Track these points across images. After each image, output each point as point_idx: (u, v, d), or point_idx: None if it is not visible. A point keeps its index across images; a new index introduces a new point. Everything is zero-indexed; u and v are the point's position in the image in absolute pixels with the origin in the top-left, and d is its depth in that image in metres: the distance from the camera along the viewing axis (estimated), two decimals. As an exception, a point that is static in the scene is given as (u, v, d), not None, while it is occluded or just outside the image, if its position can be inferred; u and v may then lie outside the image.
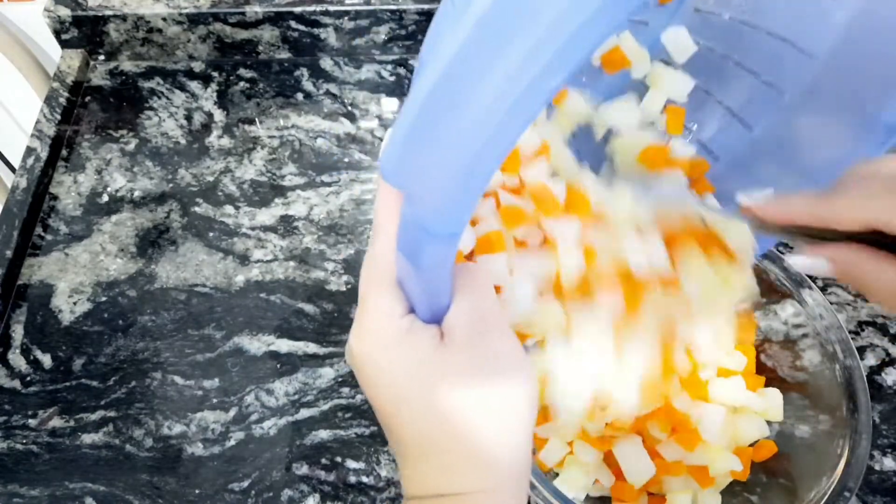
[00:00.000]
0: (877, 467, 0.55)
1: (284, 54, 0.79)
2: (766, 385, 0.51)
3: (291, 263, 0.64)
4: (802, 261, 0.33)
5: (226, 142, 0.73)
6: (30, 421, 0.56)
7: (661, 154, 0.44)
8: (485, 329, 0.28)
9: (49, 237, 0.66)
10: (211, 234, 0.66)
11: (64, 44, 0.78)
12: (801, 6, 0.39)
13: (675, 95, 0.44)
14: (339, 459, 0.54)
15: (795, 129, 0.42)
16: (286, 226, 0.67)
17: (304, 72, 0.78)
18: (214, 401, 0.57)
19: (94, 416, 0.56)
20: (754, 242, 0.39)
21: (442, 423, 0.28)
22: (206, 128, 0.74)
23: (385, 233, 0.27)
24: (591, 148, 0.45)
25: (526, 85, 0.19)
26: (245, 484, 0.53)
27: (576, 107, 0.44)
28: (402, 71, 0.78)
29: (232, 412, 0.56)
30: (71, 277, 0.63)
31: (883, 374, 0.59)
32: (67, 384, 0.57)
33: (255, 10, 0.75)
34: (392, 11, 0.75)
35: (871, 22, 0.36)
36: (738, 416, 0.49)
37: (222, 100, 0.76)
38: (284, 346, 0.59)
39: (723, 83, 0.44)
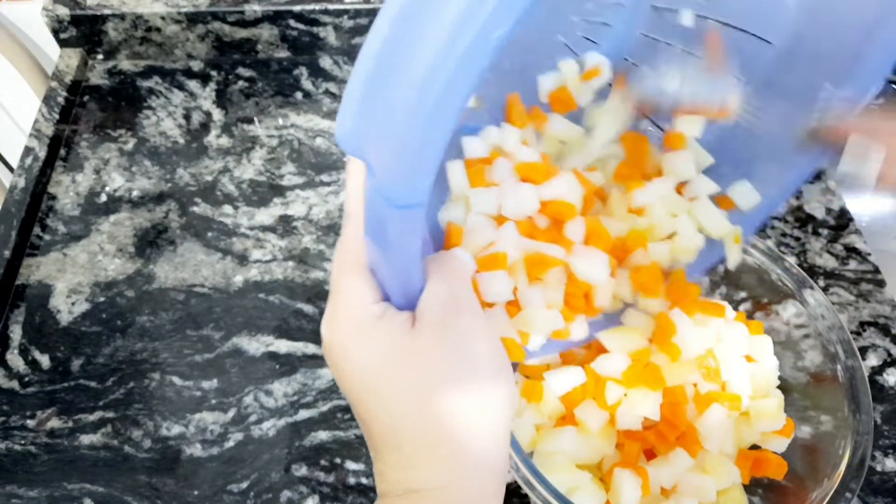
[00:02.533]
0: (878, 468, 0.55)
1: (283, 53, 0.79)
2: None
3: (290, 263, 0.64)
4: (851, 162, 0.35)
5: (224, 141, 0.72)
6: (28, 422, 0.55)
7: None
8: (457, 314, 0.27)
9: (47, 237, 0.65)
10: (209, 234, 0.66)
11: (62, 43, 0.78)
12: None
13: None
14: (338, 461, 0.54)
15: (759, 115, 0.42)
16: (285, 226, 0.66)
17: (304, 71, 0.78)
18: (213, 402, 0.56)
19: (93, 417, 0.56)
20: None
21: (410, 414, 0.27)
22: (205, 127, 0.73)
23: (355, 218, 0.27)
24: None
25: (471, 37, 0.19)
26: (244, 485, 0.53)
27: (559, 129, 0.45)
28: (401, 70, 0.78)
29: (231, 413, 0.56)
30: (69, 277, 0.63)
31: (885, 375, 0.59)
32: (66, 385, 0.57)
33: (254, 9, 0.75)
34: (391, 10, 0.75)
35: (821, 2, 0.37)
36: (749, 409, 0.49)
37: (221, 99, 0.76)
38: (283, 346, 0.59)
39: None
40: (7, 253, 0.62)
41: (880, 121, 0.36)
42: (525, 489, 0.42)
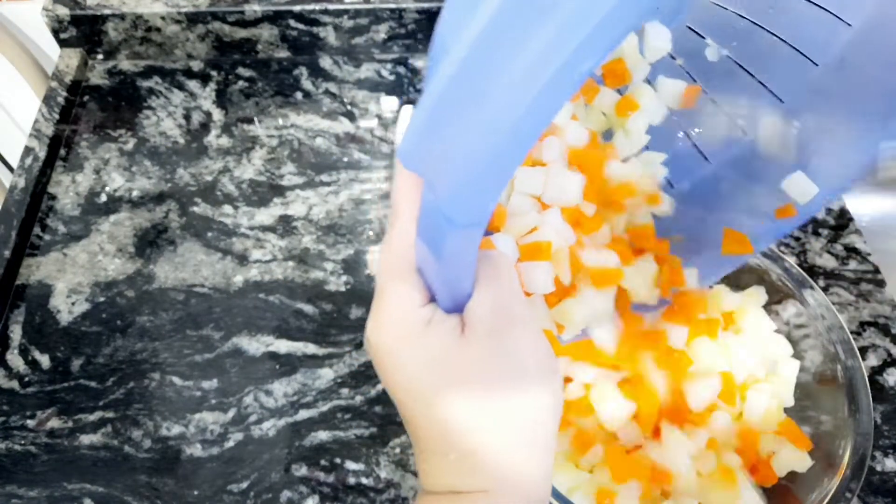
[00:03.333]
0: (878, 468, 0.55)
1: (283, 53, 0.79)
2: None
3: (290, 263, 0.64)
4: None
5: (224, 141, 0.72)
6: (28, 422, 0.55)
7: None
8: (507, 320, 0.27)
9: (47, 237, 0.65)
10: (209, 234, 0.66)
11: (62, 43, 0.77)
12: (810, 14, 0.38)
13: (654, 118, 0.44)
14: (338, 461, 0.54)
15: (794, 136, 0.42)
16: (285, 226, 0.66)
17: (304, 71, 0.78)
18: (213, 402, 0.56)
19: (93, 417, 0.56)
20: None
21: (460, 422, 0.27)
22: (205, 127, 0.73)
23: (403, 218, 0.26)
24: None
25: (555, 70, 0.18)
26: (244, 485, 0.53)
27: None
28: (401, 70, 0.78)
29: (231, 413, 0.56)
30: (69, 277, 0.63)
31: (885, 375, 0.59)
32: (66, 385, 0.57)
33: (254, 9, 0.75)
34: (392, 10, 0.75)
35: (877, 35, 0.36)
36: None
37: (221, 99, 0.76)
38: (283, 346, 0.59)
39: (723, 86, 0.44)
40: (7, 253, 0.62)
41: None
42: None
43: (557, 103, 0.19)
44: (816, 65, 0.39)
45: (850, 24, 0.36)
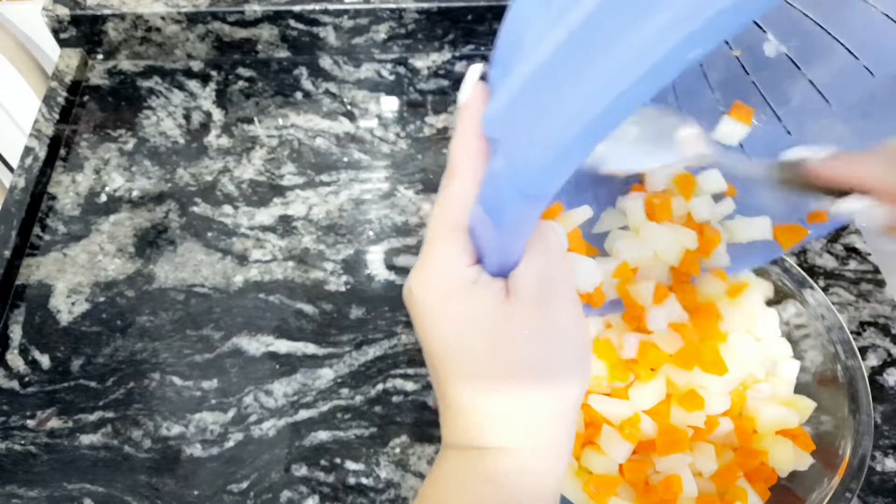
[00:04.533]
0: (878, 468, 0.54)
1: (283, 53, 0.79)
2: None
3: (290, 263, 0.64)
4: (858, 205, 0.33)
5: (224, 141, 0.72)
6: (28, 422, 0.55)
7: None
8: (552, 292, 0.27)
9: (47, 237, 0.65)
10: (209, 234, 0.66)
11: (62, 43, 0.77)
12: (877, 23, 0.38)
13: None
14: (338, 461, 0.54)
15: (836, 141, 0.42)
16: (285, 226, 0.66)
17: (304, 71, 0.78)
18: (213, 402, 0.56)
19: (93, 417, 0.56)
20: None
21: (491, 384, 0.27)
22: (205, 127, 0.73)
23: (462, 178, 0.26)
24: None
25: (661, 56, 0.18)
26: (244, 485, 0.53)
27: None
28: (401, 70, 0.78)
29: (231, 413, 0.56)
30: (69, 278, 0.63)
31: (885, 375, 0.59)
32: (66, 385, 0.57)
33: (254, 9, 0.75)
34: (392, 10, 0.75)
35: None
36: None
37: (221, 99, 0.76)
38: (283, 346, 0.59)
39: (777, 83, 0.44)
40: (7, 253, 0.62)
41: (879, 169, 0.33)
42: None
43: (655, 88, 0.19)
44: (873, 75, 0.39)
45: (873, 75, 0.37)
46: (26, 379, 0.58)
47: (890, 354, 0.60)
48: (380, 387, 0.57)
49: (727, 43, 0.44)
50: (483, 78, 0.27)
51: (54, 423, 0.55)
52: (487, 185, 0.25)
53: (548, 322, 0.27)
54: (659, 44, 0.18)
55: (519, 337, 0.27)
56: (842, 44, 0.39)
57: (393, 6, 0.75)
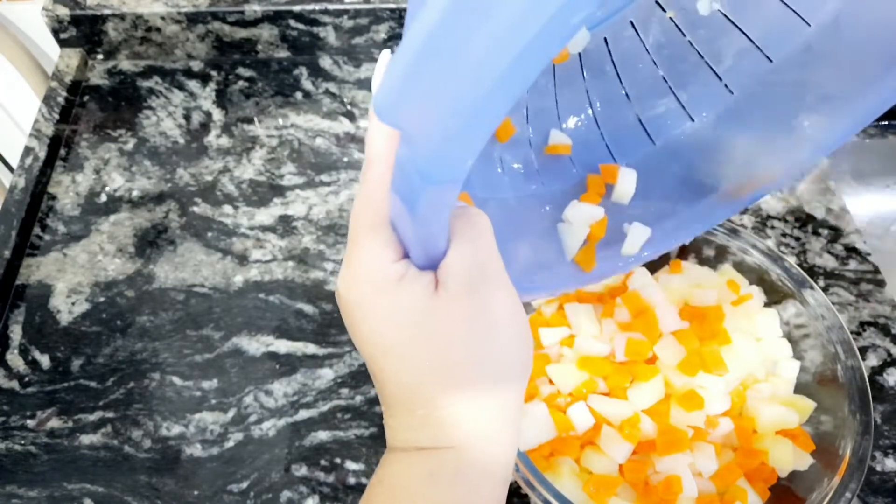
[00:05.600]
0: (878, 468, 0.54)
1: (283, 53, 0.79)
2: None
3: (290, 263, 0.64)
4: None
5: (224, 141, 0.72)
6: (28, 422, 0.55)
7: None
8: (482, 280, 0.27)
9: (47, 237, 0.65)
10: (209, 234, 0.66)
11: (62, 43, 0.77)
12: (776, 16, 0.38)
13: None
14: (338, 461, 0.54)
15: (737, 127, 0.42)
16: (285, 226, 0.66)
17: (304, 71, 0.78)
18: (213, 402, 0.56)
19: (93, 417, 0.56)
20: None
21: (426, 380, 0.26)
22: (205, 127, 0.73)
23: (377, 169, 0.25)
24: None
25: (545, 20, 0.17)
26: (244, 485, 0.53)
27: None
28: (401, 70, 0.78)
29: (231, 413, 0.56)
30: (69, 278, 0.63)
31: (885, 375, 0.59)
32: (66, 385, 0.57)
33: (254, 9, 0.75)
34: (391, 10, 0.75)
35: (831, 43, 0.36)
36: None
37: (221, 99, 0.76)
38: (283, 346, 0.59)
39: (676, 67, 0.44)
40: (7, 253, 0.62)
41: None
42: (525, 489, 0.42)
43: (545, 57, 0.18)
44: (809, 25, 0.38)
45: (809, 24, 0.36)
46: (26, 379, 0.58)
47: (890, 354, 0.60)
48: (380, 387, 0.57)
49: (660, 4, 0.43)
50: None
51: (54, 423, 0.55)
52: (397, 173, 0.24)
53: (480, 312, 0.26)
54: (542, 7, 0.17)
55: (451, 330, 0.26)
56: None
57: (393, 6, 0.75)
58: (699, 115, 0.45)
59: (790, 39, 0.39)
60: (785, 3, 0.39)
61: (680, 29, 0.43)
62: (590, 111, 0.46)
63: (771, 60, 0.41)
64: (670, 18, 0.43)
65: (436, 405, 0.27)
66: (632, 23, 0.44)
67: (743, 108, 0.43)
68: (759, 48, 0.41)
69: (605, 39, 0.44)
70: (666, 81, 0.45)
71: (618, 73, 0.45)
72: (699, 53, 0.43)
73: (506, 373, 0.27)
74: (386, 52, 0.26)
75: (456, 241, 0.26)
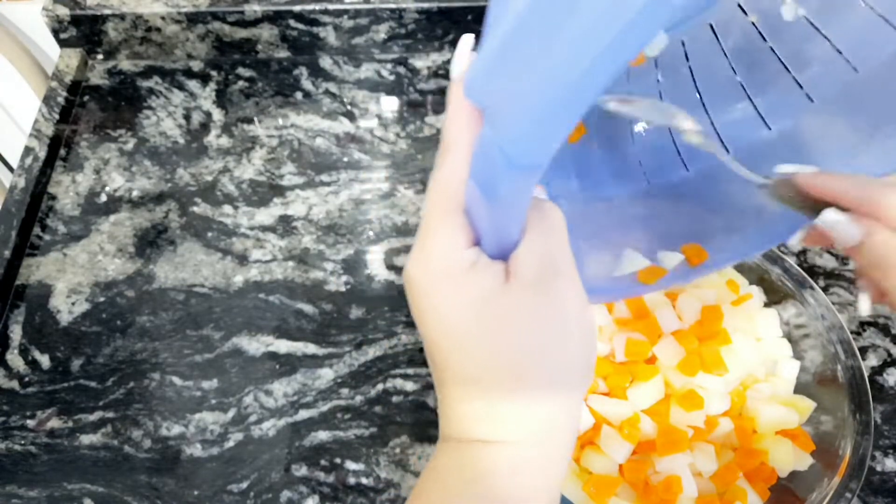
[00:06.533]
0: (878, 468, 0.54)
1: (283, 53, 0.79)
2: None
3: (290, 263, 0.64)
4: (835, 216, 0.33)
5: (224, 141, 0.72)
6: (28, 422, 0.55)
7: None
8: (554, 274, 0.26)
9: (47, 237, 0.65)
10: (209, 234, 0.66)
11: (62, 43, 0.77)
12: (864, 25, 0.38)
13: None
14: (338, 461, 0.54)
15: (815, 137, 0.41)
16: (285, 226, 0.66)
17: (304, 71, 0.78)
18: (213, 402, 0.56)
19: (93, 417, 0.56)
20: None
21: (491, 371, 0.26)
22: (205, 127, 0.73)
23: (456, 154, 0.25)
24: None
25: (641, 5, 0.17)
26: (244, 485, 0.53)
27: None
28: (401, 70, 0.78)
29: (231, 413, 0.56)
30: (69, 278, 0.63)
31: (885, 375, 0.59)
32: (66, 385, 0.57)
33: (254, 9, 0.74)
34: (392, 10, 0.75)
35: None
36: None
37: (221, 99, 0.76)
38: (283, 346, 0.59)
39: (755, 73, 0.43)
40: (7, 253, 0.62)
41: (875, 191, 0.32)
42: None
43: (640, 43, 0.18)
44: (857, 71, 0.38)
45: None
46: (26, 379, 0.58)
47: (890, 354, 0.60)
48: (380, 387, 0.57)
49: (742, 8, 0.42)
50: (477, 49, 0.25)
51: (54, 423, 0.55)
52: (478, 157, 0.24)
53: (550, 307, 0.26)
54: None
55: (521, 323, 0.25)
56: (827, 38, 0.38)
57: (393, 6, 0.75)
58: (776, 124, 0.44)
59: (879, 49, 0.38)
60: (875, 11, 0.37)
61: (762, 34, 0.42)
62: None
63: (857, 70, 0.40)
64: (752, 23, 0.42)
65: (498, 398, 0.26)
66: (711, 26, 0.43)
67: (823, 118, 0.42)
68: (844, 58, 0.40)
69: (683, 42, 0.44)
70: (744, 88, 0.44)
71: (693, 78, 0.44)
72: (780, 60, 0.42)
73: (571, 371, 0.27)
74: (467, 37, 0.26)
75: (530, 234, 0.26)
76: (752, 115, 0.43)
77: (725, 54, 0.43)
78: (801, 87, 0.42)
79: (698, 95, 0.44)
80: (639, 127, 0.46)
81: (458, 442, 0.27)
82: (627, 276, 0.42)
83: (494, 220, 0.25)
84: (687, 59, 0.44)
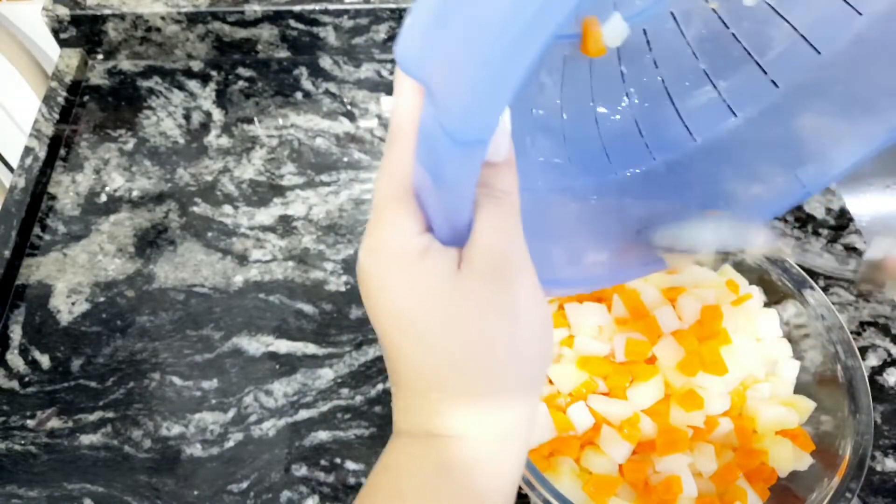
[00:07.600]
0: (878, 468, 0.54)
1: (283, 53, 0.79)
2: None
3: (290, 263, 0.64)
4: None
5: (224, 141, 0.72)
6: (28, 422, 0.55)
7: None
8: (507, 264, 0.25)
9: (47, 237, 0.65)
10: (209, 234, 0.66)
11: (62, 43, 0.77)
12: (825, 6, 0.37)
13: None
14: (338, 461, 0.54)
15: (783, 123, 0.41)
16: (285, 226, 0.66)
17: (304, 71, 0.78)
18: (213, 402, 0.56)
19: (93, 417, 0.56)
20: None
21: (447, 360, 0.25)
22: (205, 127, 0.73)
23: (403, 139, 0.24)
24: None
25: None
26: (244, 485, 0.53)
27: None
28: (401, 70, 0.78)
29: (231, 413, 0.56)
30: (69, 278, 0.63)
31: (885, 375, 0.59)
32: (66, 385, 0.57)
33: (254, 9, 0.75)
34: (391, 10, 0.75)
35: (885, 34, 0.35)
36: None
37: (221, 99, 0.76)
38: (283, 346, 0.59)
39: (720, 60, 0.43)
40: (7, 253, 0.62)
41: None
42: (525, 489, 0.42)
43: (566, 4, 0.17)
44: (860, 14, 0.37)
45: (860, 14, 0.35)
46: (26, 379, 0.58)
47: (890, 354, 0.60)
48: (380, 387, 0.57)
49: None
50: None
51: (54, 423, 0.55)
52: (422, 138, 0.23)
53: (504, 294, 0.25)
54: None
55: (474, 312, 0.25)
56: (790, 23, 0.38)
57: (393, 6, 0.75)
58: (742, 110, 0.43)
59: (841, 31, 0.38)
60: None
61: (723, 20, 0.42)
62: (626, 103, 0.45)
63: (819, 52, 0.39)
64: (713, 10, 0.42)
65: (452, 390, 0.25)
66: (672, 14, 0.43)
67: (788, 104, 0.41)
68: (806, 39, 0.40)
69: (644, 31, 0.43)
70: (707, 75, 0.43)
71: (656, 66, 0.44)
72: (742, 45, 0.42)
73: (523, 363, 0.26)
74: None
75: (482, 221, 0.25)
76: (719, 102, 0.43)
77: (687, 43, 0.43)
78: (764, 71, 0.41)
79: (662, 84, 0.44)
80: (602, 109, 0.45)
81: (409, 437, 0.26)
82: (589, 267, 0.41)
83: (444, 202, 0.24)
84: (650, 47, 0.43)
